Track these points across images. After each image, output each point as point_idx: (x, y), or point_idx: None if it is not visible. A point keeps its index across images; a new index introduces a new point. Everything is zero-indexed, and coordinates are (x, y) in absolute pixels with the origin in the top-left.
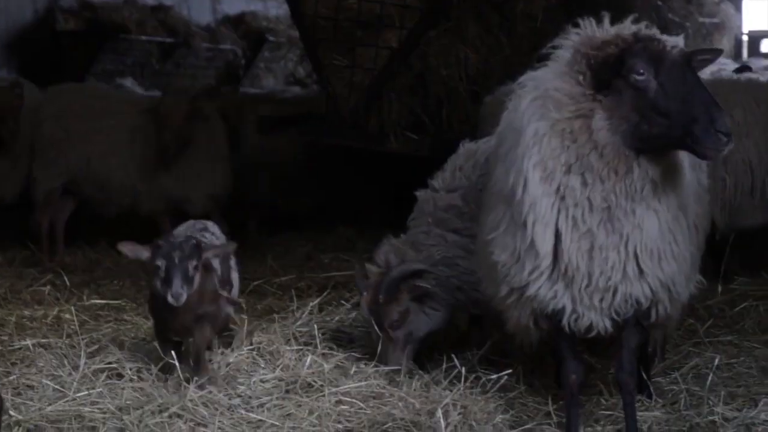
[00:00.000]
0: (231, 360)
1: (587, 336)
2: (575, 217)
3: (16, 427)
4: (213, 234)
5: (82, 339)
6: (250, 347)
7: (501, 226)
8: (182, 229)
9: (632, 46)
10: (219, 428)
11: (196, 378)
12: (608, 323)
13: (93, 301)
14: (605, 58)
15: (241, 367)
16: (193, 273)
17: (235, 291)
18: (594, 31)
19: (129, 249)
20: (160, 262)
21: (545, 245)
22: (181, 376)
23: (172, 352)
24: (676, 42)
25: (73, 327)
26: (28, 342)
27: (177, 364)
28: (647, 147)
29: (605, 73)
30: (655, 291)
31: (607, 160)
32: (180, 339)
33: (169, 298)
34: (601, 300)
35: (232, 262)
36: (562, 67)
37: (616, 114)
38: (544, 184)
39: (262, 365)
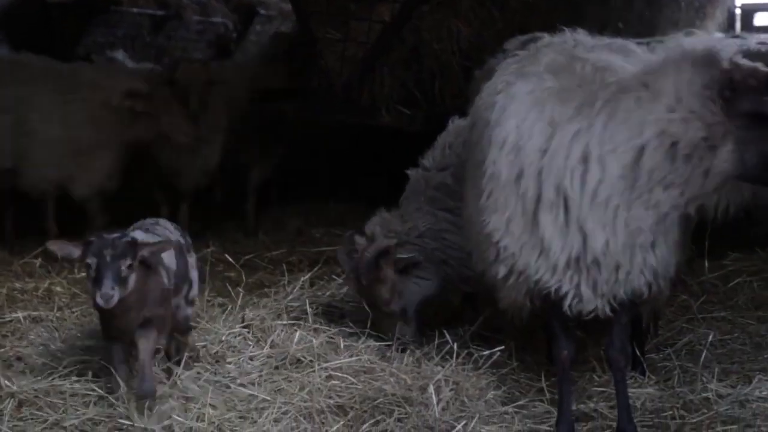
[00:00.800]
0: (223, 338)
1: (584, 318)
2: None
3: (9, 399)
4: (165, 228)
5: (73, 312)
6: (242, 324)
7: (506, 211)
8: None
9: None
10: (209, 404)
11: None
12: (608, 308)
13: (83, 274)
14: (754, 88)
15: (232, 344)
16: (126, 273)
17: (195, 290)
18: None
19: (59, 247)
20: (91, 261)
21: (561, 241)
22: (121, 384)
23: (116, 356)
24: None
25: (64, 300)
26: (19, 314)
27: (114, 371)
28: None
29: (747, 103)
30: (655, 276)
31: (708, 185)
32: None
33: (98, 300)
34: (607, 288)
35: (191, 258)
36: (697, 85)
37: (751, 148)
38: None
39: (252, 341)
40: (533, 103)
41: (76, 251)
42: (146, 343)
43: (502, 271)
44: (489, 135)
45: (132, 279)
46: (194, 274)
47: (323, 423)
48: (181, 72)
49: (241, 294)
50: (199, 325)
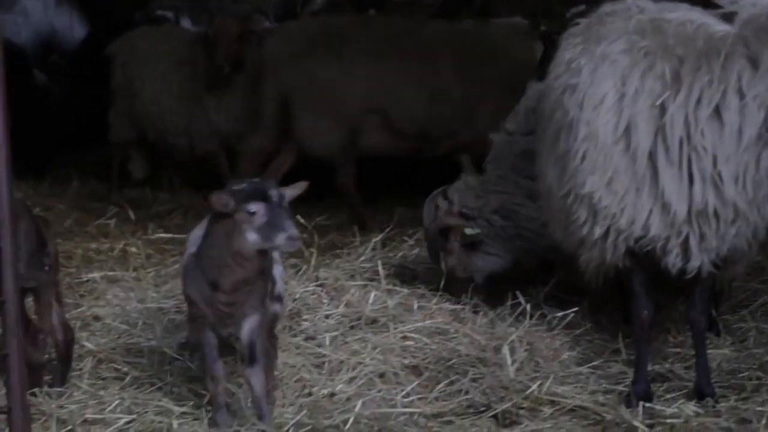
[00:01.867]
0: (297, 295)
1: (683, 277)
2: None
3: (88, 357)
4: None
5: (148, 272)
6: (316, 283)
7: (608, 170)
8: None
9: None
10: (283, 363)
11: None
12: (710, 265)
13: (158, 234)
14: None
15: (306, 303)
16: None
17: (280, 286)
18: None
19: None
20: (255, 207)
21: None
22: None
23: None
24: None
25: (139, 260)
26: (96, 275)
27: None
28: None
29: None
30: (755, 233)
31: None
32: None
33: (285, 243)
34: (715, 243)
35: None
36: None
37: None
38: None
39: (326, 300)
40: (634, 62)
41: (230, 201)
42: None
43: (597, 232)
44: (578, 98)
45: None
46: (278, 270)
47: (398, 383)
48: (213, 28)
49: (314, 255)
50: None
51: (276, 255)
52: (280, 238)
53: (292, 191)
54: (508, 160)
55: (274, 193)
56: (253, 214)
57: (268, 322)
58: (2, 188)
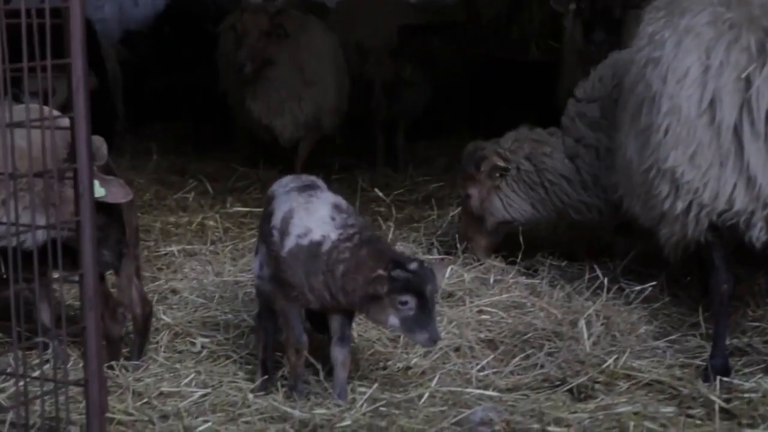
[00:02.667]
0: None
1: (767, 251)
2: None
3: (164, 330)
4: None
5: (226, 246)
6: None
7: (691, 144)
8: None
9: None
10: (358, 336)
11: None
12: None
13: (236, 208)
14: None
15: None
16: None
17: None
18: None
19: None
20: (408, 299)
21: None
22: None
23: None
24: None
25: (216, 234)
26: (174, 248)
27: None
28: None
29: None
30: None
31: None
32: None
33: (424, 342)
34: None
35: None
36: None
37: None
38: None
39: None
40: (718, 34)
41: (384, 287)
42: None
43: (679, 206)
44: (661, 72)
45: None
46: None
47: (473, 357)
48: (241, 22)
49: (392, 228)
50: None
51: None
52: (421, 337)
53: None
54: (562, 121)
55: (430, 288)
56: (404, 304)
57: None
58: (82, 165)
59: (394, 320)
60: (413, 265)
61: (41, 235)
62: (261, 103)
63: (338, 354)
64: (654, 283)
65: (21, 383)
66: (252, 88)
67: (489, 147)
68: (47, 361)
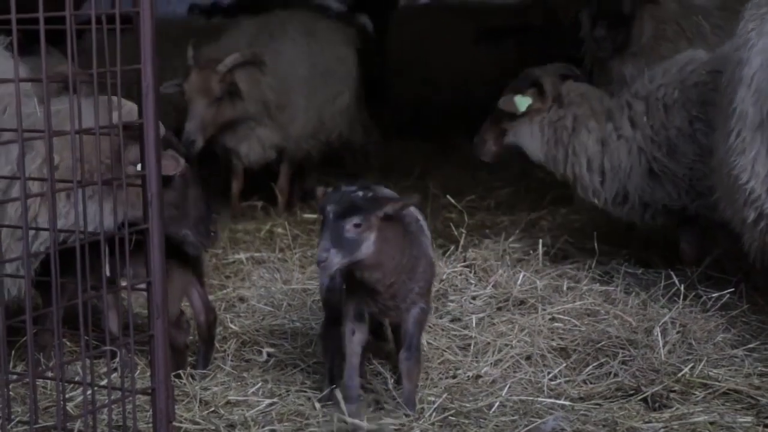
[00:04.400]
0: (444, 276)
1: None
2: None
3: (233, 339)
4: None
5: (294, 254)
6: (464, 264)
7: (752, 151)
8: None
9: None
10: (428, 344)
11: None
12: None
13: (305, 215)
14: None
15: (453, 284)
16: (354, 233)
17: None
18: None
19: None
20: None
21: None
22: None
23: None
24: None
25: (285, 242)
26: (242, 256)
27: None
28: None
29: None
30: None
31: None
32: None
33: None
34: None
35: (426, 239)
36: None
37: None
38: None
39: (474, 281)
40: None
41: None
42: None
43: (751, 215)
44: (738, 74)
45: (370, 240)
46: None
47: (545, 366)
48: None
49: (463, 234)
50: None
51: (427, 241)
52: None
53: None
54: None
55: (330, 207)
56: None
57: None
58: (151, 170)
59: None
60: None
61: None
62: (226, 133)
63: (404, 363)
64: (732, 289)
65: (89, 392)
66: None
67: (555, 83)
68: (115, 369)
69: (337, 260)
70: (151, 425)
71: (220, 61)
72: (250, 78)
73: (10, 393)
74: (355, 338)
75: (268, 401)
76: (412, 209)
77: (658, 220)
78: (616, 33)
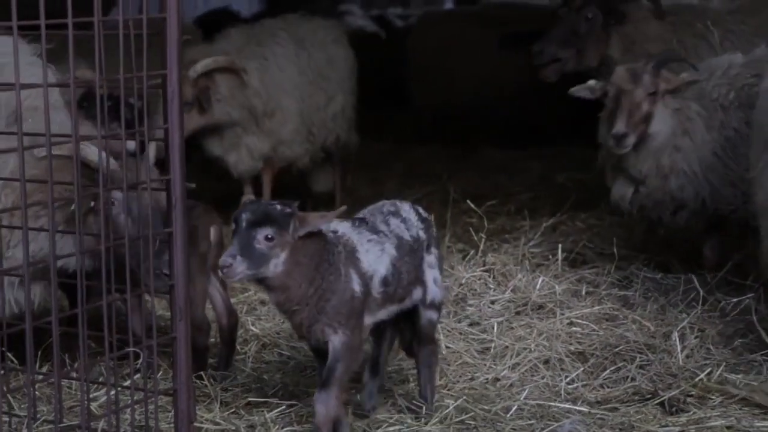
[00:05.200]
0: (463, 281)
1: None
2: None
3: (254, 341)
4: (404, 221)
5: None
6: (483, 268)
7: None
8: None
9: None
10: (447, 348)
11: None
12: None
13: None
14: None
15: (472, 288)
16: (265, 246)
17: (433, 292)
18: None
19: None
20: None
21: None
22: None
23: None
24: None
25: None
26: None
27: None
28: None
29: None
30: None
31: None
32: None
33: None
34: None
35: (430, 256)
36: None
37: None
38: None
39: (493, 285)
40: None
41: None
42: (341, 349)
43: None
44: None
45: (280, 256)
46: (431, 275)
47: (562, 370)
48: None
49: (483, 239)
50: None
51: (431, 259)
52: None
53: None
54: None
55: (244, 215)
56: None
57: (424, 328)
58: (175, 175)
59: None
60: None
61: None
62: (213, 140)
63: (317, 399)
64: (752, 295)
65: (112, 392)
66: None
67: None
68: (138, 370)
69: (240, 269)
70: (172, 425)
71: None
72: (233, 83)
73: (36, 392)
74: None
75: (287, 403)
76: (359, 235)
77: (690, 224)
78: (560, 49)
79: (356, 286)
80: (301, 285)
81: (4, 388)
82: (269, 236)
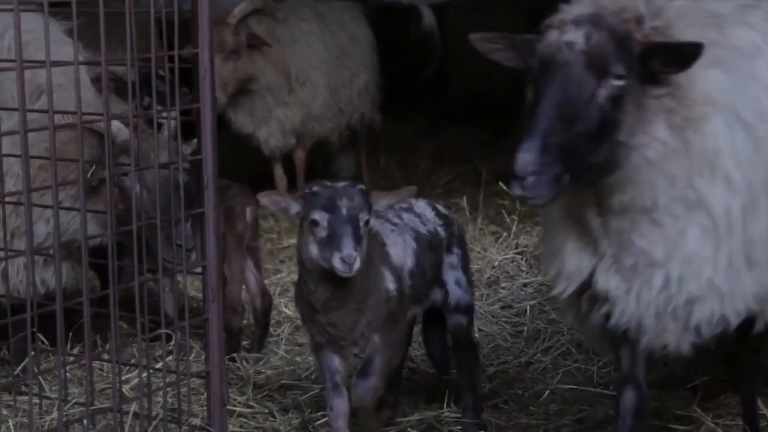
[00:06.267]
0: (496, 263)
1: None
2: None
3: (287, 323)
4: (419, 216)
5: None
6: (516, 251)
7: None
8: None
9: None
10: (479, 329)
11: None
12: None
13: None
14: None
15: (505, 271)
16: (364, 232)
17: (457, 294)
18: None
19: (271, 200)
20: (319, 216)
21: None
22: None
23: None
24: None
25: None
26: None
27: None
28: None
29: None
30: None
31: None
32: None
33: (338, 265)
34: None
35: (451, 257)
36: None
37: None
38: None
39: (525, 269)
40: None
41: (294, 205)
42: (384, 345)
43: None
44: None
45: (365, 243)
46: (453, 276)
47: (595, 354)
48: None
49: (515, 222)
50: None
51: (452, 259)
52: (335, 259)
53: (384, 200)
54: None
55: (343, 202)
56: (316, 224)
57: (455, 333)
58: (207, 155)
59: (313, 248)
60: (326, 184)
61: None
62: (244, 115)
63: (355, 384)
64: None
65: (144, 374)
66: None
67: None
68: (170, 352)
69: (359, 260)
70: (205, 408)
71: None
72: (270, 37)
73: (67, 374)
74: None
75: (321, 386)
76: (382, 226)
77: None
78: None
79: (390, 285)
80: (357, 277)
81: (35, 370)
82: (367, 220)
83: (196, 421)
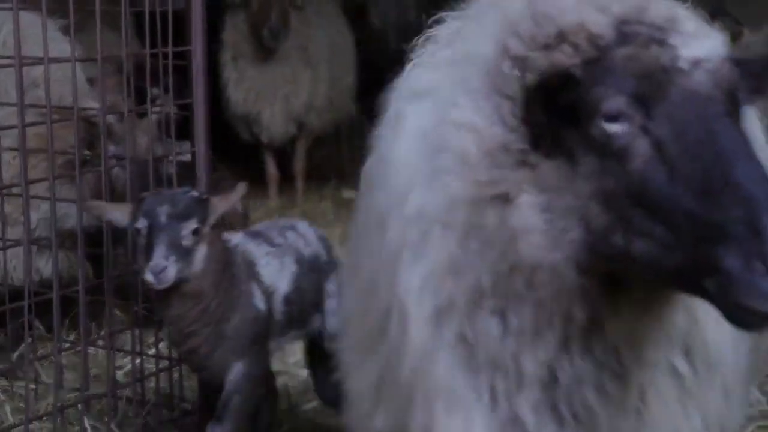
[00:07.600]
0: None
1: None
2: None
3: None
4: (302, 237)
5: (336, 229)
6: None
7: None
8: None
9: (607, 54)
10: None
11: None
12: None
13: (345, 195)
14: (550, 78)
15: None
16: (191, 242)
17: (332, 322)
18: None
19: (96, 208)
20: (141, 224)
21: None
22: None
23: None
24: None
25: (329, 217)
26: None
27: None
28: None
29: (546, 114)
30: None
31: (540, 293)
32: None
33: (148, 277)
34: None
35: (331, 284)
36: (478, 77)
37: (561, 204)
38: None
39: None
40: None
41: (120, 215)
42: (239, 374)
43: None
44: None
45: (201, 254)
46: (332, 304)
47: None
48: None
49: None
50: None
51: (330, 287)
52: (146, 270)
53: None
54: None
55: (163, 209)
56: (138, 232)
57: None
58: (200, 149)
59: (140, 260)
60: (161, 191)
61: None
62: (249, 95)
63: None
64: None
65: (137, 360)
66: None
67: None
68: (162, 339)
69: (173, 271)
70: (196, 393)
71: None
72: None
73: (63, 361)
74: None
75: (307, 371)
76: (257, 247)
77: None
78: None
79: (260, 304)
80: (209, 292)
81: (32, 356)
82: (195, 229)
83: (188, 406)
